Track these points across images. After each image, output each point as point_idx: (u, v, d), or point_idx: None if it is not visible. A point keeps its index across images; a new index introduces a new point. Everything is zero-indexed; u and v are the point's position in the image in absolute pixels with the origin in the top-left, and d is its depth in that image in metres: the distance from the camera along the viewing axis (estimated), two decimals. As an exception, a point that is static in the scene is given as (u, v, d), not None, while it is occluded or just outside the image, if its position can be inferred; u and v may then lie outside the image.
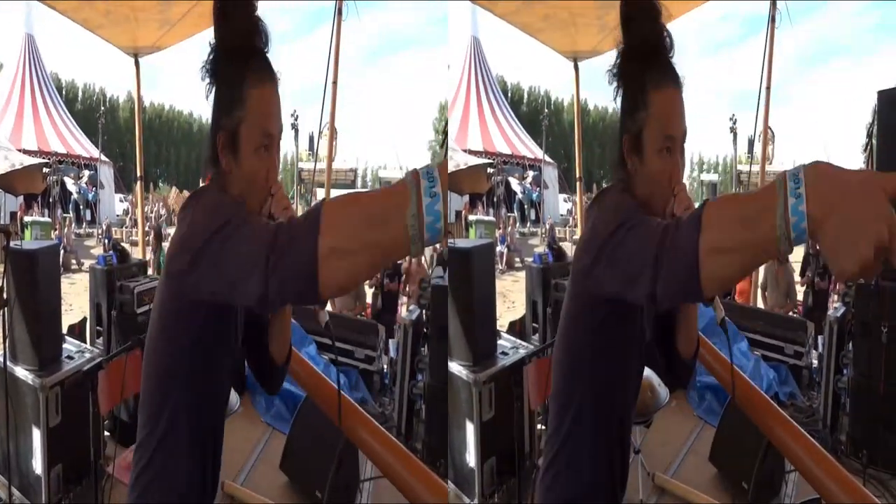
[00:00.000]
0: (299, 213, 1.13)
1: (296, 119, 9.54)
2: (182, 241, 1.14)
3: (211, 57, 1.23)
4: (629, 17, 1.28)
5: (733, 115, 7.59)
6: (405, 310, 5.04)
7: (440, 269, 3.96)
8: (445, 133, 4.07)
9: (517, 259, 8.45)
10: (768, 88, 5.44)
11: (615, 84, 1.31)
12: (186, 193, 11.76)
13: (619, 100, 1.31)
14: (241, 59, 1.20)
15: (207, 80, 1.24)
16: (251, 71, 1.20)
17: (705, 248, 0.91)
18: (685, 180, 1.32)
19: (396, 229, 0.88)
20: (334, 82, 5.54)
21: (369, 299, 6.14)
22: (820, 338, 4.63)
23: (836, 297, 5.49)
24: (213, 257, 1.06)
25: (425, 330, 3.88)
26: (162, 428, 1.24)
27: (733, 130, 7.49)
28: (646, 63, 1.26)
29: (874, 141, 4.00)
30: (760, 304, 5.73)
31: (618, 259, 1.09)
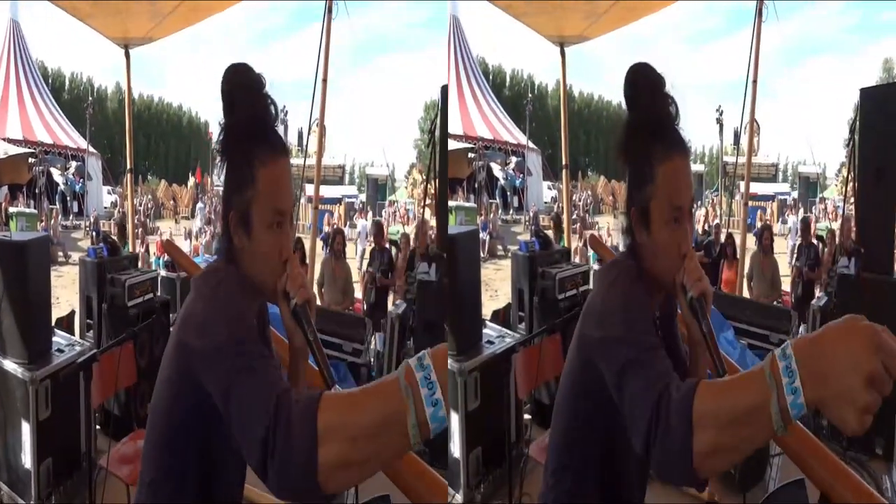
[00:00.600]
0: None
1: (285, 115, 9.53)
2: (201, 327, 1.13)
3: (221, 137, 1.22)
4: (634, 91, 1.28)
5: (719, 106, 7.63)
6: (391, 304, 5.09)
7: (425, 264, 4.01)
8: (432, 132, 4.01)
9: (500, 247, 8.24)
10: (755, 82, 5.51)
11: (621, 158, 1.32)
12: (176, 187, 11.71)
13: (626, 172, 1.32)
14: (250, 139, 1.20)
15: (219, 158, 1.24)
16: (260, 149, 1.19)
17: (700, 451, 0.93)
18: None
19: (399, 438, 0.87)
20: (324, 80, 5.56)
21: (358, 294, 6.18)
22: (803, 326, 4.72)
23: (819, 288, 5.62)
24: (223, 384, 1.06)
25: (411, 323, 3.93)
26: (167, 490, 1.22)
27: (720, 122, 7.54)
28: (652, 136, 1.26)
29: (856, 136, 4.06)
30: (746, 294, 5.83)
31: (622, 396, 1.12)
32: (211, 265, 1.29)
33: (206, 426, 1.19)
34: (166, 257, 7.57)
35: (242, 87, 1.20)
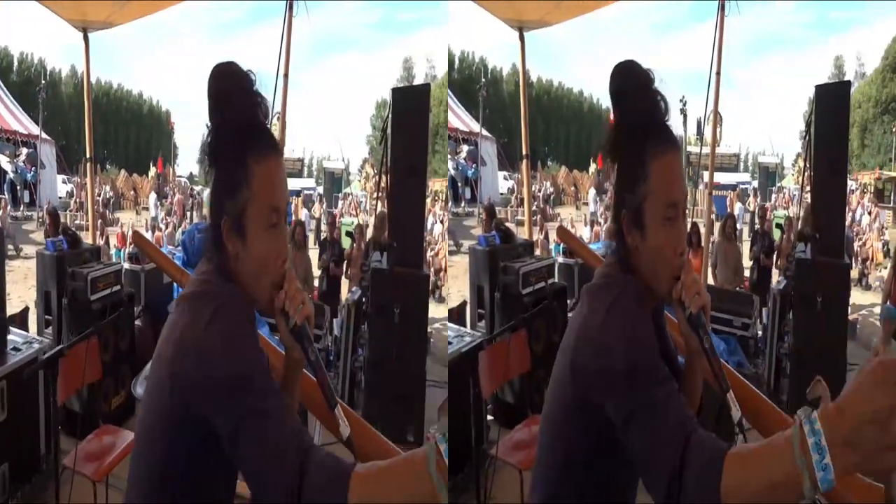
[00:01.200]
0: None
1: None
2: (202, 358, 1.08)
3: (210, 139, 1.17)
4: (622, 92, 1.24)
5: (683, 96, 7.81)
6: (347, 291, 5.15)
7: (378, 253, 4.07)
8: (384, 129, 4.07)
9: (451, 242, 7.54)
10: (718, 73, 5.63)
11: (608, 160, 1.27)
12: (136, 177, 11.41)
13: (613, 175, 1.27)
14: (242, 138, 1.16)
15: (207, 163, 1.19)
16: (254, 148, 1.15)
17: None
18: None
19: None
20: (285, 75, 5.57)
21: (317, 283, 6.23)
22: (764, 310, 4.92)
23: (778, 272, 5.84)
24: (235, 420, 1.04)
25: (365, 309, 3.99)
26: None
27: (683, 112, 7.71)
28: (644, 134, 1.22)
29: (812, 129, 4.21)
30: (711, 281, 6.02)
31: (633, 441, 1.10)
32: (201, 282, 1.19)
33: (204, 464, 1.15)
34: (130, 249, 7.40)
35: (232, 86, 1.16)
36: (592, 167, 10.67)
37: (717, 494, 0.95)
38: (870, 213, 8.06)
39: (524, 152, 6.30)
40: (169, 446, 1.14)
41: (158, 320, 4.84)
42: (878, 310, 5.30)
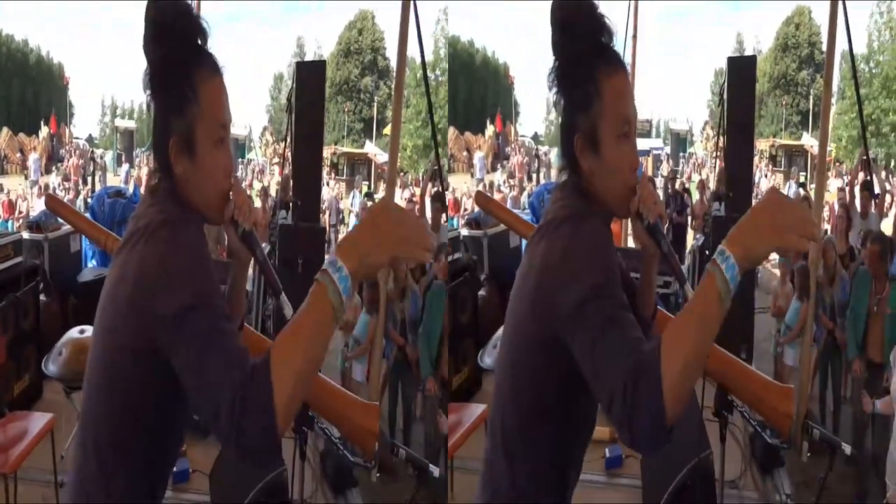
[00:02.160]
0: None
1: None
2: (165, 288, 1.11)
3: (154, 62, 1.23)
4: (569, 18, 1.29)
5: None
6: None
7: (283, 211, 4.47)
8: (289, 99, 4.53)
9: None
10: (634, 37, 6.09)
11: (556, 90, 1.31)
12: (24, 137, 10.48)
13: (560, 106, 1.31)
14: (187, 59, 1.21)
15: (150, 90, 1.24)
16: (200, 67, 1.22)
17: (671, 380, 1.01)
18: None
19: (327, 335, 1.02)
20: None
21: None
22: (683, 267, 5.52)
23: (694, 231, 6.50)
24: (187, 351, 1.08)
25: (273, 263, 4.26)
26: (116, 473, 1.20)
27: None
28: (594, 54, 1.27)
29: (725, 97, 4.74)
30: (631, 244, 6.58)
31: (594, 366, 1.11)
32: (154, 213, 1.21)
33: (163, 405, 1.20)
34: (25, 217, 6.94)
35: (175, 11, 1.22)
36: (490, 129, 10.05)
37: (661, 396, 1.01)
38: (766, 177, 9.02)
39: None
40: (131, 392, 1.18)
41: (67, 294, 4.67)
42: (775, 259, 6.06)
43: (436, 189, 4.77)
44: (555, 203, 1.31)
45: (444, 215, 4.71)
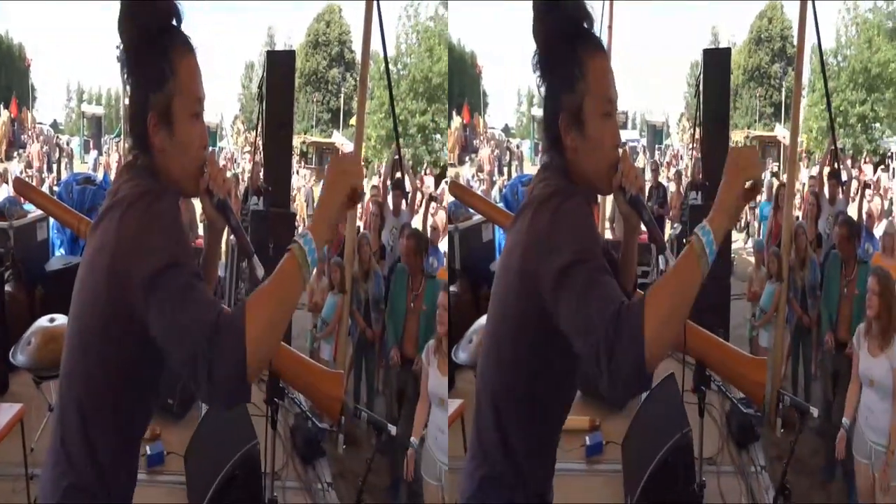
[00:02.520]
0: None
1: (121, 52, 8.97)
2: (144, 252, 1.19)
3: (131, 42, 1.31)
4: (551, 5, 1.37)
5: None
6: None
7: (255, 198, 4.62)
8: (260, 87, 4.69)
9: None
10: (610, 28, 6.18)
11: (539, 73, 1.39)
12: None
13: (543, 88, 1.39)
14: (163, 35, 1.30)
15: (126, 67, 1.32)
16: (175, 44, 1.31)
17: (652, 331, 1.11)
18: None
19: (296, 294, 1.18)
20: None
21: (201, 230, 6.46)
22: (661, 257, 5.68)
23: (671, 221, 6.70)
24: (162, 304, 1.17)
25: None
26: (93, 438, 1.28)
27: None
28: (577, 36, 1.35)
29: (701, 89, 4.90)
30: (609, 235, 6.76)
31: (578, 320, 1.18)
32: (131, 186, 1.29)
33: (140, 364, 1.29)
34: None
35: None
36: (457, 121, 9.78)
37: (642, 341, 1.11)
38: (741, 168, 9.22)
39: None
40: (112, 355, 1.27)
41: (34, 283, 4.56)
42: (751, 247, 6.28)
43: (396, 177, 4.99)
44: (538, 183, 1.38)
45: (404, 201, 4.88)
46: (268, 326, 1.14)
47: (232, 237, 1.47)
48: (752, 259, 5.78)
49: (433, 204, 5.27)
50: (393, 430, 2.91)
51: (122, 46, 1.33)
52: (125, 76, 1.34)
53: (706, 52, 5.03)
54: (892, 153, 7.74)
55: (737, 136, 9.53)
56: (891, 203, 5.93)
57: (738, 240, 7.15)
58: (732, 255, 6.84)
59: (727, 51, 5.58)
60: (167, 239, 1.22)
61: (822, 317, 4.16)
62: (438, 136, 8.43)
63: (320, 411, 2.60)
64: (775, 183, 6.26)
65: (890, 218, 5.50)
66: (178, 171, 1.32)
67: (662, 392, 3.56)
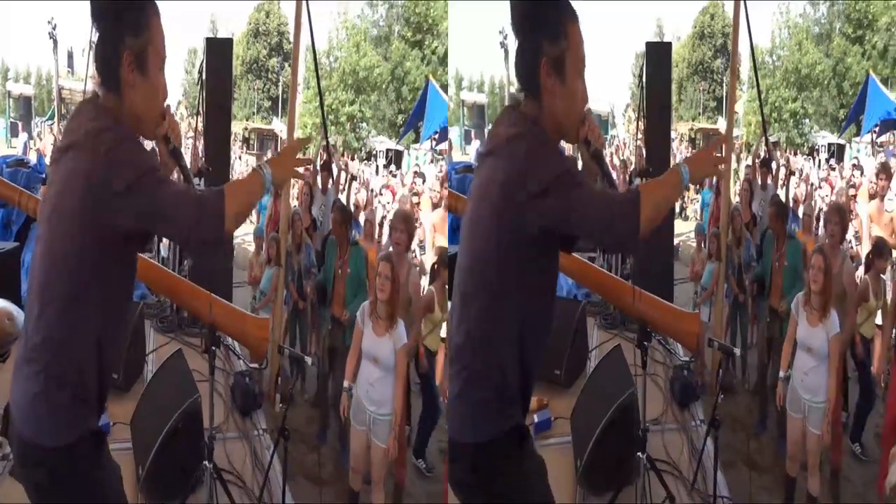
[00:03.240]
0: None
1: (53, 28, 8.65)
2: (122, 166, 1.48)
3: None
4: None
5: (503, 28, 6.64)
6: None
7: (197, 179, 4.80)
8: (201, 72, 5.09)
9: None
10: None
11: (524, 27, 1.63)
12: None
13: (525, 40, 1.64)
14: None
15: (101, 11, 1.55)
16: (151, 3, 1.59)
17: (649, 218, 1.53)
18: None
19: (258, 195, 1.64)
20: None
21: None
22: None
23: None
24: (150, 196, 1.49)
25: None
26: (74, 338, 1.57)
27: (504, 46, 6.95)
28: (559, 3, 1.63)
29: (644, 81, 5.21)
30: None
31: (582, 206, 1.54)
32: (88, 125, 1.54)
33: (110, 277, 1.56)
34: None
35: None
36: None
37: (638, 216, 1.53)
38: (685, 160, 9.80)
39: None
40: (84, 269, 1.52)
41: None
42: (694, 235, 6.76)
43: (324, 160, 5.55)
44: (502, 124, 1.62)
45: (330, 180, 5.46)
46: (240, 204, 1.57)
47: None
48: (694, 243, 6.25)
49: (355, 183, 6.07)
50: (308, 360, 3.48)
51: None
52: (97, 19, 1.58)
53: (649, 45, 5.39)
54: (818, 147, 8.41)
55: (682, 129, 10.11)
56: (812, 188, 6.53)
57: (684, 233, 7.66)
58: (677, 242, 7.34)
59: (668, 45, 5.98)
60: (136, 156, 1.52)
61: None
62: (364, 124, 8.96)
63: (250, 351, 3.02)
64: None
65: (808, 201, 6.08)
66: (142, 110, 1.58)
67: (609, 364, 3.91)
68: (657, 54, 5.28)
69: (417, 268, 4.33)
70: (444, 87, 7.98)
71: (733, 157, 6.55)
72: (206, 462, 3.06)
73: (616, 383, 3.54)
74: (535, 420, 3.82)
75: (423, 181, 6.77)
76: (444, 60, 8.76)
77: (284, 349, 3.46)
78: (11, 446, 1.68)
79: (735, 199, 5.49)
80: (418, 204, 6.21)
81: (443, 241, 5.32)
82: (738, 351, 3.26)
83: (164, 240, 5.19)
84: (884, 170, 5.35)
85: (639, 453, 3.10)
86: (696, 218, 7.49)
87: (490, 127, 1.82)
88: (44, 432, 1.57)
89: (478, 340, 1.65)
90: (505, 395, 1.66)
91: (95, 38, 1.61)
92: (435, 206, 6.04)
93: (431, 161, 7.34)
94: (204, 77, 5.00)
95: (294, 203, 5.09)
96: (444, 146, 7.45)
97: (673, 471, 3.51)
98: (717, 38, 11.32)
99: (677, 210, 8.60)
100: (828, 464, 3.61)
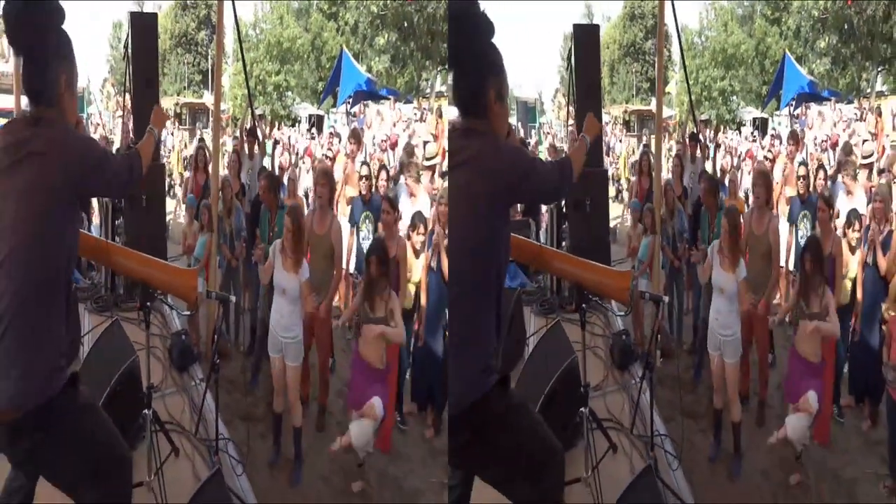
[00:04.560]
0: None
1: None
2: (85, 154, 2.22)
3: (41, 32, 2.21)
4: (481, 21, 2.29)
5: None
6: None
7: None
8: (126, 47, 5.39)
9: None
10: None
11: (465, 66, 2.27)
12: None
13: (468, 76, 2.25)
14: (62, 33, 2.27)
15: (30, 41, 2.19)
16: (68, 40, 2.26)
17: (576, 174, 2.43)
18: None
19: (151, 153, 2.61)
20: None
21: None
22: (541, 233, 6.43)
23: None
24: (109, 169, 2.30)
25: (120, 205, 5.30)
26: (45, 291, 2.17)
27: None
28: (492, 41, 2.32)
29: (573, 64, 5.51)
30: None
31: (543, 179, 2.34)
32: (53, 130, 2.21)
33: (73, 229, 2.21)
34: None
35: None
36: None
37: (573, 173, 2.44)
38: (620, 142, 10.42)
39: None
40: (54, 227, 2.13)
41: None
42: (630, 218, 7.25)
43: (249, 126, 5.95)
44: (460, 143, 2.26)
45: (256, 146, 5.91)
46: (146, 159, 2.52)
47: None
48: (629, 221, 6.73)
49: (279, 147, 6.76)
50: (233, 298, 4.01)
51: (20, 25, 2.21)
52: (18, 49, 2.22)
53: (576, 26, 5.64)
54: (745, 121, 9.15)
55: (615, 111, 10.69)
56: (739, 158, 7.18)
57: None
58: (613, 225, 7.82)
59: (596, 27, 6.30)
60: (94, 142, 2.48)
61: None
62: (290, 92, 9.62)
63: (183, 299, 3.40)
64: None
65: (733, 170, 6.71)
66: (71, 118, 2.26)
67: (550, 337, 4.30)
68: (585, 36, 5.55)
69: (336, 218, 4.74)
70: (356, 55, 8.92)
71: (664, 135, 7.13)
72: (145, 411, 3.46)
73: (557, 354, 3.93)
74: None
75: (339, 141, 7.38)
76: (355, 31, 9.69)
77: (212, 293, 3.90)
78: None
79: (666, 175, 5.99)
80: (334, 159, 6.73)
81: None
82: (665, 298, 3.73)
83: (94, 214, 5.92)
84: (793, 136, 6.21)
85: (582, 408, 3.50)
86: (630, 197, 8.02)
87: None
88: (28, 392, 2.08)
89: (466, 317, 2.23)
90: (490, 355, 2.22)
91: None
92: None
93: (346, 123, 8.26)
94: (130, 53, 5.28)
95: (223, 172, 5.57)
96: (357, 108, 8.54)
97: (615, 426, 3.93)
98: (647, 19, 11.87)
99: (613, 194, 9.16)
100: (757, 397, 4.31)
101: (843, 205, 5.23)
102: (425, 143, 7.22)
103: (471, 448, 2.19)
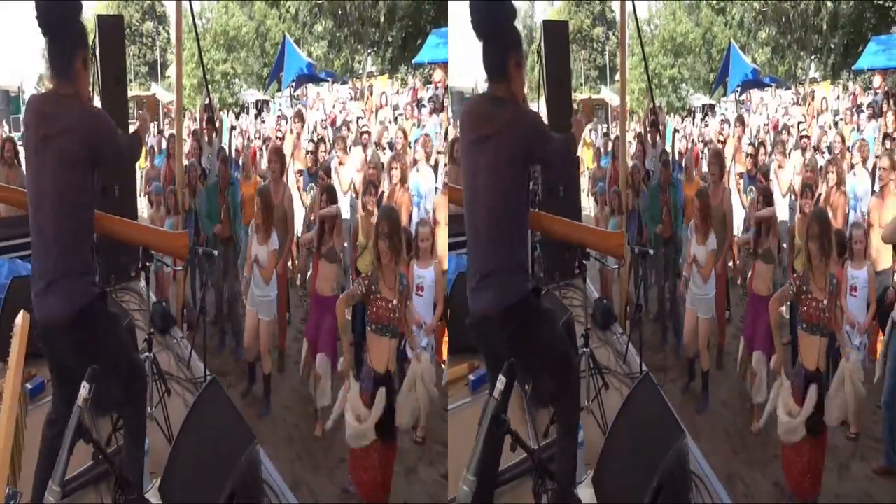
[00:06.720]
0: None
1: None
2: (106, 128, 3.23)
3: (69, 17, 3.14)
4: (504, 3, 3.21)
5: None
6: None
7: None
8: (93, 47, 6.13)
9: None
10: None
11: (495, 37, 3.15)
12: None
13: (493, 45, 3.15)
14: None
15: (59, 31, 3.14)
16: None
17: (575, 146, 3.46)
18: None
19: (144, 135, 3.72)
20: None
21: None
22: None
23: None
24: (117, 141, 3.29)
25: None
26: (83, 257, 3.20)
27: None
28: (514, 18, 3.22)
29: (543, 60, 6.35)
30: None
31: (556, 149, 3.29)
32: (76, 108, 3.17)
33: (93, 186, 3.20)
34: None
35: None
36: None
37: (575, 146, 3.54)
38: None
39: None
40: (82, 185, 3.13)
41: None
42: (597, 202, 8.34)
43: (207, 115, 7.10)
44: (489, 110, 3.18)
45: (214, 133, 6.99)
46: (141, 140, 3.62)
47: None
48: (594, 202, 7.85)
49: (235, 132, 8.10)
50: (215, 252, 5.56)
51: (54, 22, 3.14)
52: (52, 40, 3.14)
53: (546, 22, 6.67)
54: (694, 108, 10.44)
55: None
56: (693, 143, 8.45)
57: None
58: (588, 212, 8.88)
59: (565, 24, 7.34)
60: (107, 115, 3.30)
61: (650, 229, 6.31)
62: (237, 80, 10.71)
63: (175, 256, 4.36)
64: (610, 142, 8.35)
65: (687, 153, 7.99)
66: (86, 96, 3.16)
67: (546, 301, 5.34)
68: (555, 32, 6.54)
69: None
70: (297, 42, 10.21)
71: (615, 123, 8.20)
72: (146, 354, 4.65)
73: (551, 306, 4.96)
74: (471, 379, 4.80)
75: (286, 122, 8.70)
76: (296, 18, 10.81)
77: (199, 248, 5.39)
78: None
79: (630, 161, 7.12)
80: (282, 139, 8.01)
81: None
82: (651, 251, 4.90)
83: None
84: (740, 120, 7.79)
85: (583, 348, 4.58)
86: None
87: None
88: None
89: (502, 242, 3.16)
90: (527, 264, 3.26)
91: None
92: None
93: (291, 105, 9.87)
94: (98, 53, 6.18)
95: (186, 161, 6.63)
96: (300, 91, 9.93)
97: (605, 370, 5.03)
98: (594, 4, 12.65)
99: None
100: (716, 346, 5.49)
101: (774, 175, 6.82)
102: (358, 118, 8.87)
103: (518, 337, 3.04)
